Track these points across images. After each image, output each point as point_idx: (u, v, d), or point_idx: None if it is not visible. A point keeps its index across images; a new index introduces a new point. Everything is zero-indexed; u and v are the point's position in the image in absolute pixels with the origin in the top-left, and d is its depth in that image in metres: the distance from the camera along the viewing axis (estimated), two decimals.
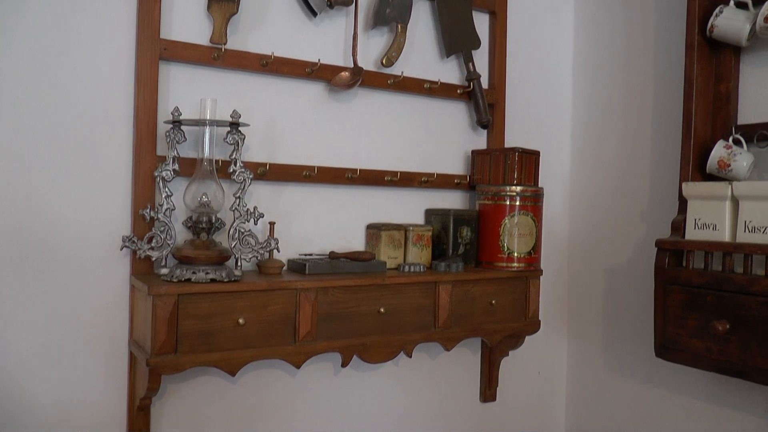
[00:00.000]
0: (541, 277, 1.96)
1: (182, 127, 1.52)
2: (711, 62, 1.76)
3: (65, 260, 1.49)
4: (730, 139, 1.69)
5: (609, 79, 2.17)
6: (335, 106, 1.83)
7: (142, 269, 1.55)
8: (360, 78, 1.78)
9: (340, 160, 1.83)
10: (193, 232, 1.52)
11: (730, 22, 1.65)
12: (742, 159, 1.63)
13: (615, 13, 2.15)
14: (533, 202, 1.89)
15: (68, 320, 1.50)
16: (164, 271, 1.48)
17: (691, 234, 1.68)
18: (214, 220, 1.53)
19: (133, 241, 1.48)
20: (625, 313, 2.10)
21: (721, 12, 1.67)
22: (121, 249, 1.49)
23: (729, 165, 1.64)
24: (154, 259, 1.50)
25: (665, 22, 1.97)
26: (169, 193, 1.50)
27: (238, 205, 1.56)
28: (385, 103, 1.91)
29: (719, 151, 1.66)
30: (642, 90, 2.05)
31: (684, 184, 1.70)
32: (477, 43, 2.03)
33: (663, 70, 1.98)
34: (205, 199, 1.51)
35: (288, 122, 1.75)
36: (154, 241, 1.50)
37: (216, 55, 1.61)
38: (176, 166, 1.52)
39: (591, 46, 2.24)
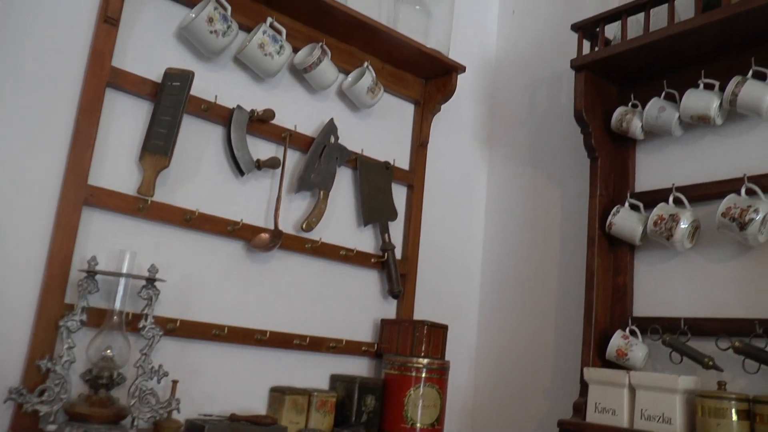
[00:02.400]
0: None
1: (96, 277, 1.54)
2: (610, 256, 1.99)
3: None
4: (627, 329, 1.88)
5: (517, 261, 2.37)
6: (252, 266, 1.90)
7: (26, 424, 1.48)
8: (279, 241, 1.88)
9: (252, 320, 1.88)
10: (91, 387, 1.50)
11: (625, 222, 1.90)
12: (638, 350, 1.82)
13: (525, 200, 2.40)
14: (439, 375, 1.98)
15: None
16: (51, 428, 1.43)
17: (592, 417, 1.80)
18: (115, 376, 1.51)
19: (21, 394, 1.43)
20: None
21: (618, 211, 1.92)
22: (5, 401, 1.44)
23: (626, 354, 1.82)
24: (42, 413, 1.45)
25: (569, 215, 2.22)
26: (71, 345, 1.49)
27: (143, 362, 1.56)
28: (302, 267, 2.00)
29: (617, 340, 1.84)
30: (548, 276, 2.25)
31: (585, 369, 1.85)
32: (393, 215, 2.21)
33: (567, 259, 2.19)
34: (109, 353, 1.51)
35: (205, 279, 1.80)
36: (46, 394, 1.46)
37: (141, 207, 1.67)
38: (84, 317, 1.52)
39: (500, 227, 2.47)
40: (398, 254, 2.21)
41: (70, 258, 1.56)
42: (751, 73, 1.73)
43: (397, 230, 2.24)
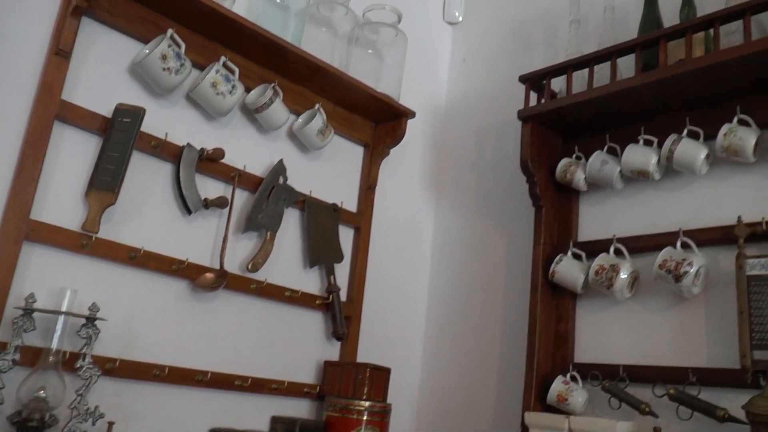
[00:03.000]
0: None
1: (34, 314, 1.51)
2: (552, 303, 2.05)
3: None
4: (568, 375, 1.93)
5: (461, 305, 2.41)
6: (196, 306, 1.89)
7: None
8: (224, 281, 1.88)
9: (194, 360, 1.86)
10: (19, 430, 1.45)
11: (568, 271, 1.97)
12: (578, 395, 1.87)
13: (470, 245, 2.45)
14: (380, 418, 1.99)
15: None
16: None
17: None
18: (47, 418, 1.47)
19: None
20: None
21: (561, 260, 1.99)
22: None
23: (567, 399, 1.87)
24: None
25: (514, 262, 2.28)
26: (1, 385, 1.45)
27: (78, 403, 1.52)
28: (246, 307, 2.00)
29: (558, 386, 1.89)
30: (492, 321, 2.30)
31: (526, 414, 1.88)
32: (339, 258, 2.23)
33: (511, 305, 2.24)
34: (42, 394, 1.47)
35: (147, 318, 1.78)
36: None
37: (85, 243, 1.65)
38: (17, 356, 1.48)
39: (446, 271, 2.51)
40: (343, 296, 2.23)
41: (6, 294, 1.52)
42: (686, 132, 1.83)
43: (342, 272, 2.26)
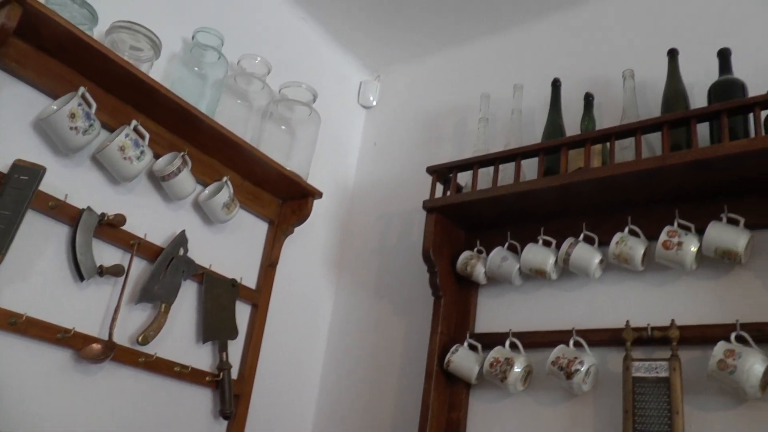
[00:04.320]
0: None
1: None
2: (446, 392, 2.09)
3: None
4: None
5: (354, 389, 2.41)
6: (79, 378, 1.80)
7: None
8: (111, 353, 1.82)
9: None
10: None
11: (463, 361, 2.02)
12: None
13: (368, 329, 2.48)
14: None
15: None
16: None
17: None
18: None
19: None
20: None
21: (456, 350, 2.04)
22: None
23: None
24: None
25: (410, 349, 2.31)
26: None
27: None
28: (133, 381, 1.93)
29: None
30: (384, 407, 2.31)
31: None
32: (234, 334, 2.19)
33: (404, 392, 2.26)
34: None
35: (25, 389, 1.69)
36: None
37: None
38: None
39: (342, 354, 2.51)
40: (235, 374, 2.19)
41: None
42: (582, 236, 1.97)
43: (236, 349, 2.22)
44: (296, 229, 2.41)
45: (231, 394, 2.13)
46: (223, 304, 2.18)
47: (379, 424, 2.29)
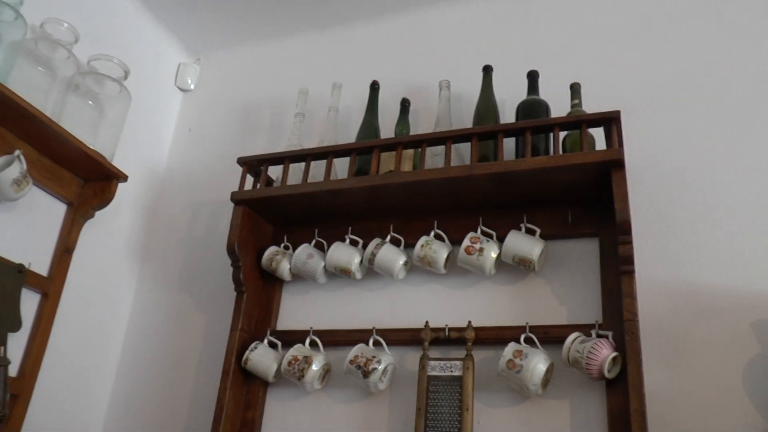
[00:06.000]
0: None
1: None
2: (243, 390, 2.06)
3: None
4: None
5: (151, 386, 2.30)
6: None
7: None
8: None
9: None
10: None
11: (261, 359, 2.00)
12: None
13: (169, 323, 2.38)
14: None
15: None
16: None
17: None
18: None
19: None
20: None
21: (255, 347, 2.02)
22: None
23: None
24: None
25: (211, 346, 2.25)
26: None
27: None
28: None
29: None
30: (179, 406, 2.22)
31: None
32: (16, 326, 1.99)
33: (202, 390, 2.20)
34: None
35: None
36: None
37: None
38: None
39: (140, 348, 2.38)
40: (14, 370, 2.01)
41: None
42: (389, 238, 2.03)
43: (19, 343, 2.03)
44: (98, 214, 2.27)
45: (6, 394, 1.94)
46: (5, 291, 1.99)
47: (174, 423, 2.21)
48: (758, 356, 1.65)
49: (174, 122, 2.80)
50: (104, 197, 2.24)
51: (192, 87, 2.84)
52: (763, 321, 1.68)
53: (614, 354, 1.66)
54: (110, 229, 2.45)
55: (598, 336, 1.71)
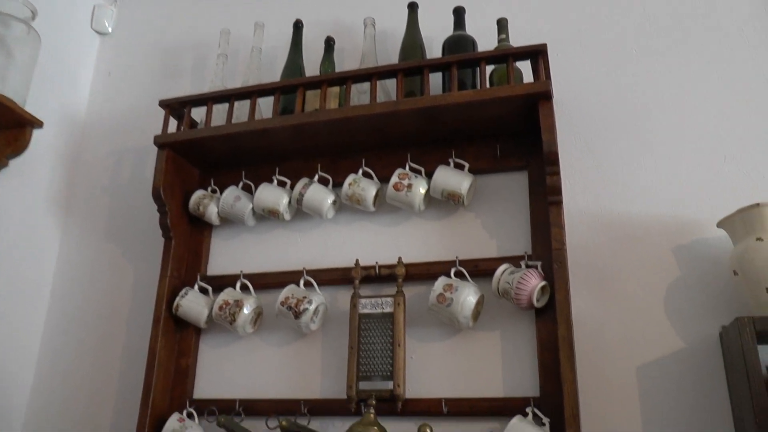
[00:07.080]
0: None
1: None
2: (176, 337, 2.04)
3: None
4: (185, 412, 1.93)
5: (81, 339, 2.25)
6: None
7: None
8: None
9: None
10: None
11: (192, 305, 1.98)
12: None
13: (97, 273, 2.31)
14: None
15: None
16: None
17: None
18: None
19: None
20: None
21: (186, 294, 1.99)
22: None
23: None
24: None
25: (140, 295, 2.21)
26: None
27: None
28: None
29: (173, 423, 1.86)
30: (111, 356, 2.18)
31: None
32: None
33: (133, 339, 2.16)
34: None
35: None
36: None
37: None
38: None
39: (68, 300, 2.32)
40: None
41: None
42: (317, 177, 2.01)
43: None
44: (13, 163, 2.19)
45: None
46: None
47: (106, 375, 2.16)
48: (678, 279, 1.72)
49: (92, 66, 2.68)
50: (18, 145, 2.17)
51: (109, 30, 2.72)
52: (682, 246, 1.74)
53: (543, 283, 1.69)
54: (29, 179, 2.33)
55: (528, 267, 1.74)
